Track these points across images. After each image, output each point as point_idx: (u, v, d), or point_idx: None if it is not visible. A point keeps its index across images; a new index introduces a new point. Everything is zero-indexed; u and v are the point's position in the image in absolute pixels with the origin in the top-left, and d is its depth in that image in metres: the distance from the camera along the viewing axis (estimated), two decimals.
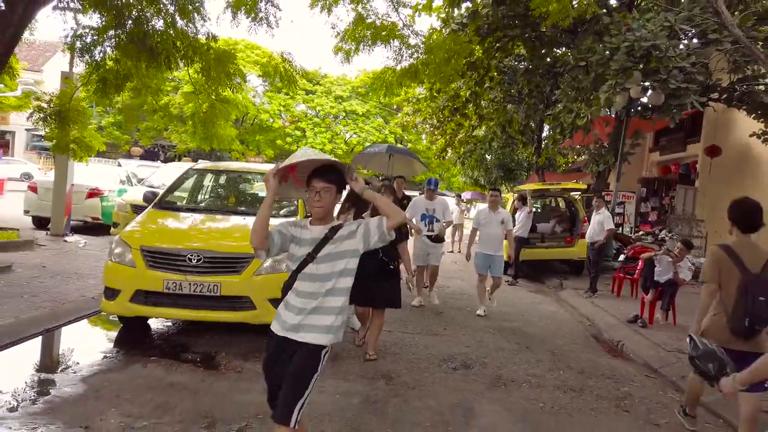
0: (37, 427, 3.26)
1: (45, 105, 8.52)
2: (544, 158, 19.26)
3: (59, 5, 7.18)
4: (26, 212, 11.45)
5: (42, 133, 11.34)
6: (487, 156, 24.88)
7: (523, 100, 16.71)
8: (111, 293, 4.99)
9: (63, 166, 9.99)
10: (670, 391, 5.03)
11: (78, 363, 4.50)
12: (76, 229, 11.07)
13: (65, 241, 9.81)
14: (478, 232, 7.76)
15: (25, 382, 3.99)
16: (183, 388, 4.04)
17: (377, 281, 5.07)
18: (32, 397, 3.74)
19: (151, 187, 11.38)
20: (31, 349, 4.84)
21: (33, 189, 11.44)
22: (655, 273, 7.38)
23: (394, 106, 38.36)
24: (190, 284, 4.83)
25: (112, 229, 11.07)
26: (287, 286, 2.68)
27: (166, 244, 5.07)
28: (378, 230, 2.60)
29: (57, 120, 8.55)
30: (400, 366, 5.01)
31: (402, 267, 5.59)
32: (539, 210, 15.89)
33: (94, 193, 11.53)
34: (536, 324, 7.45)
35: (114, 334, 5.48)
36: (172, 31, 7.69)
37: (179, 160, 30.39)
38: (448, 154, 24.22)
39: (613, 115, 13.60)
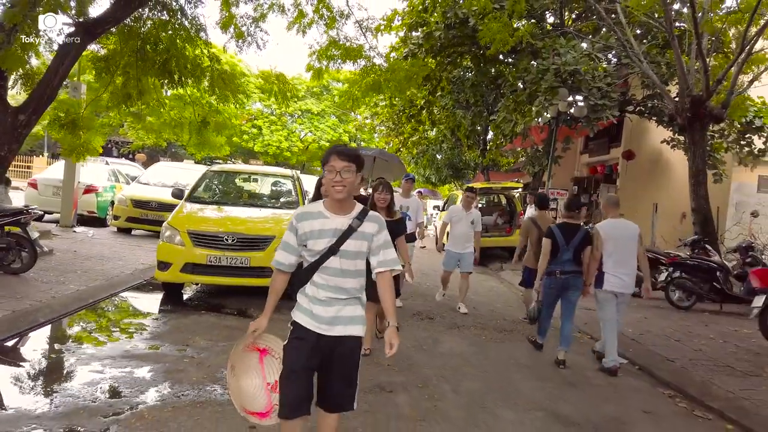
0: (158, 345, 4.90)
1: (62, 114, 9.82)
2: (489, 159, 21.43)
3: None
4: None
5: None
6: (437, 156, 27.02)
7: (470, 108, 18.81)
8: (164, 266, 6.58)
9: (71, 166, 11.26)
10: (580, 336, 7.06)
11: (151, 314, 6.11)
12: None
13: (74, 231, 11.10)
14: (448, 227, 7.91)
15: (130, 323, 5.59)
16: (235, 328, 5.70)
17: None
18: (140, 331, 5.34)
19: (146, 183, 12.80)
20: (112, 307, 6.37)
21: (33, 186, 12.59)
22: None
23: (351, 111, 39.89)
24: (227, 258, 6.50)
25: (112, 220, 12.40)
26: (302, 279, 2.59)
27: (208, 228, 6.70)
28: (376, 264, 2.62)
29: (70, 127, 9.86)
30: None
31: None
32: (484, 205, 18.03)
33: (89, 190, 12.76)
34: (482, 294, 9.43)
35: (159, 296, 7.03)
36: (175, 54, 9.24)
37: (133, 157, 31.08)
38: (402, 154, 26.19)
39: (546, 124, 15.84)
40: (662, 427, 4.16)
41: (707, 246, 9.72)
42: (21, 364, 4.40)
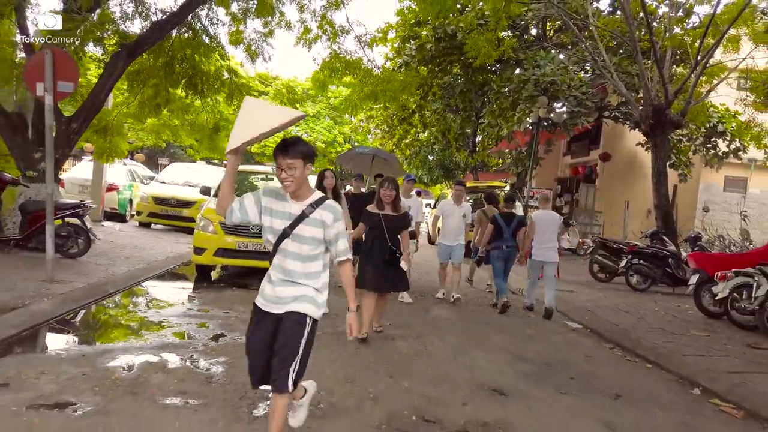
0: (208, 309, 6.20)
1: (95, 121, 11.06)
2: (477, 160, 22.80)
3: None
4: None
5: None
6: (429, 157, 28.37)
7: (459, 112, 20.19)
8: (199, 251, 7.85)
9: (99, 167, 12.50)
10: (567, 323, 8.41)
11: (191, 289, 7.40)
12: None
13: (102, 225, 12.34)
14: (440, 221, 8.25)
15: (178, 296, 6.88)
16: None
17: (387, 268, 5.47)
18: (189, 301, 6.62)
19: (163, 182, 14.05)
20: (159, 284, 7.64)
21: (61, 185, 13.78)
22: None
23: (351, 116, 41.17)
24: (252, 244, 7.79)
25: (135, 216, 13.65)
26: (270, 260, 2.71)
27: None
28: (336, 254, 2.76)
29: (102, 132, 11.10)
30: None
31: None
32: (471, 202, 19.37)
33: (111, 188, 14.00)
34: (465, 276, 10.76)
35: (193, 279, 8.30)
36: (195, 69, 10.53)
37: (132, 156, 32.32)
38: (395, 154, 27.55)
39: (528, 128, 17.24)
40: (597, 364, 5.50)
41: (664, 237, 11.11)
42: (112, 318, 5.69)
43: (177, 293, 7.18)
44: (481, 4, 12.48)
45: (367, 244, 5.64)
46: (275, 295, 2.70)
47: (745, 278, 7.06)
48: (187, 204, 12.82)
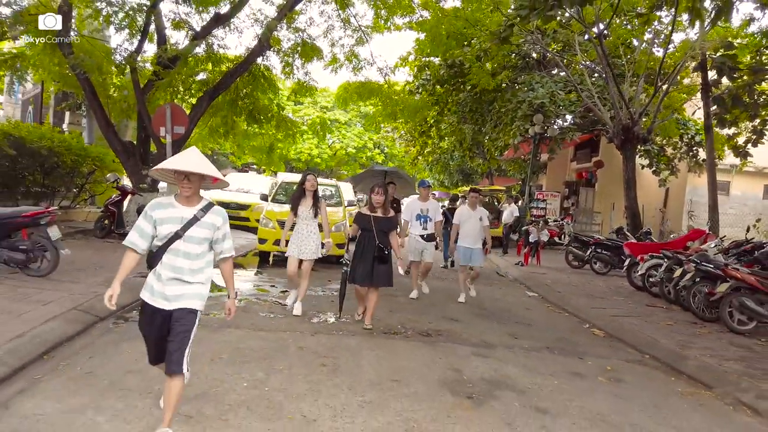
0: (272, 278, 9.21)
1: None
2: (487, 167, 25.49)
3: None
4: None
5: None
6: (450, 163, 31.19)
7: (470, 125, 22.93)
8: (262, 241, 10.89)
9: None
10: (520, 287, 11.20)
11: (255, 269, 10.44)
12: None
13: None
14: (459, 228, 8.54)
15: (254, 270, 9.93)
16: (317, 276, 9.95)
17: (375, 265, 6.04)
18: (256, 275, 9.63)
19: (240, 190, 17.27)
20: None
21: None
22: (529, 238, 13.61)
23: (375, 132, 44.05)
24: None
25: None
26: (153, 260, 3.11)
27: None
28: (222, 251, 3.30)
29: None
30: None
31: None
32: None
33: None
34: None
35: (251, 263, 11.34)
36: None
37: None
38: (419, 162, 30.46)
39: (530, 138, 19.90)
40: (532, 312, 8.27)
41: (626, 232, 13.71)
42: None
43: (247, 271, 10.24)
44: (481, 43, 15.21)
45: (359, 243, 6.32)
46: (164, 292, 3.08)
47: (656, 260, 9.73)
48: (243, 207, 15.96)
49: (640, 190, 20.92)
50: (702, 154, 18.83)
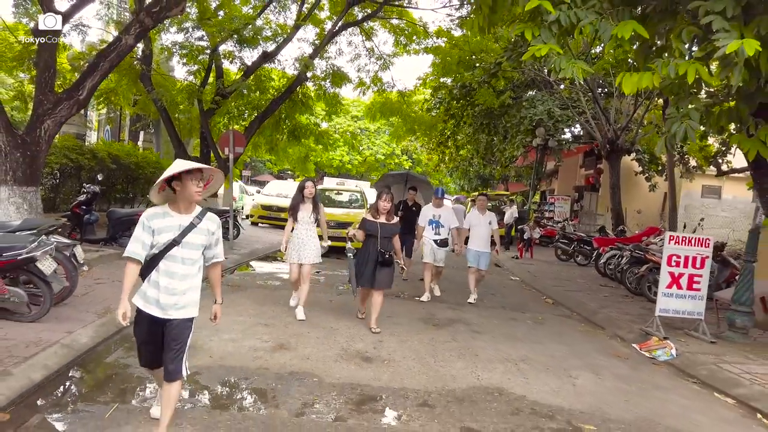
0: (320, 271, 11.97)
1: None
2: (501, 174, 27.86)
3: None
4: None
5: None
6: (469, 170, 33.67)
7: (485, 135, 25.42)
8: None
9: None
10: (507, 273, 13.70)
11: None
12: None
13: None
14: (469, 231, 8.98)
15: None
16: (340, 262, 12.66)
17: (377, 268, 6.29)
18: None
19: (268, 194, 20.22)
20: (270, 260, 13.50)
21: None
22: (524, 236, 16.09)
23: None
24: (331, 232, 13.56)
25: (248, 217, 19.90)
26: (147, 269, 3.15)
27: None
28: (215, 255, 3.37)
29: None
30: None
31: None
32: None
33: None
34: None
35: None
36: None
37: None
38: (441, 168, 33.09)
39: (534, 149, 22.28)
40: (508, 290, 10.79)
41: (608, 231, 16.06)
42: (264, 269, 11.55)
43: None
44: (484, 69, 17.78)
45: (364, 248, 6.56)
46: (158, 300, 3.15)
47: (615, 251, 12.13)
48: (283, 209, 18.82)
49: (639, 194, 23.17)
50: (692, 161, 20.94)
